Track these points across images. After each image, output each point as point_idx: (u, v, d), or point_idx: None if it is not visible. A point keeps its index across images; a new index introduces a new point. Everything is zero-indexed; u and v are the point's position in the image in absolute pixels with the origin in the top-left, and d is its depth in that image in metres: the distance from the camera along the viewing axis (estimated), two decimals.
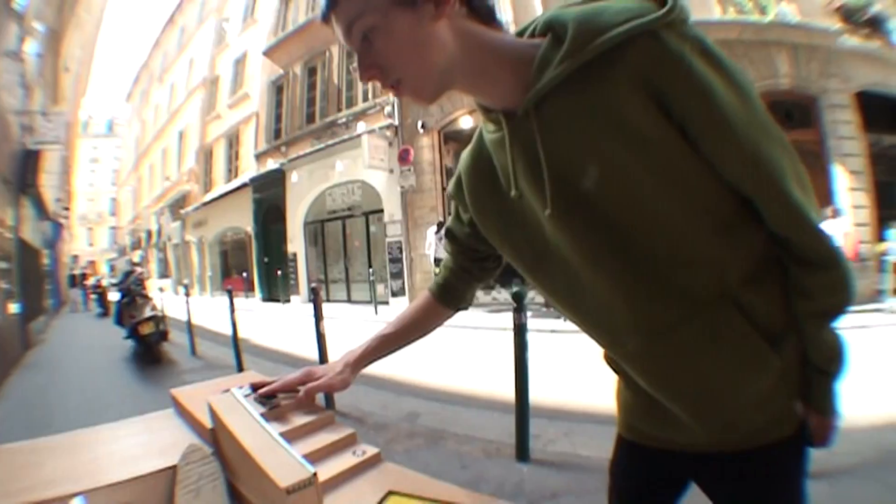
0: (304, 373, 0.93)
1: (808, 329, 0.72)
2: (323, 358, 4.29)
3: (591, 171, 0.67)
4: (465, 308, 1.07)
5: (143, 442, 0.81)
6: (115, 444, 0.80)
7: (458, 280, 1.03)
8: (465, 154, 0.90)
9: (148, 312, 6.77)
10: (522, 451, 2.98)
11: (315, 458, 0.72)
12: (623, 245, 0.69)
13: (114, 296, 8.63)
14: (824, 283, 0.69)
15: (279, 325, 10.41)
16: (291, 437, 0.75)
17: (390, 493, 0.69)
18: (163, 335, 6.82)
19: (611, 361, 0.93)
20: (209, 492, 0.66)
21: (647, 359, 0.76)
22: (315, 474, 0.55)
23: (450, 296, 1.04)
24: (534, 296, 10.31)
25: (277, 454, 0.59)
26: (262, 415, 0.75)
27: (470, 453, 3.11)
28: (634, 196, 0.66)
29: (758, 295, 0.70)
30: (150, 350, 6.75)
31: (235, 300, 6.19)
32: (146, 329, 6.60)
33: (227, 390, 0.82)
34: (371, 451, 0.78)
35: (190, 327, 7.38)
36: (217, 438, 0.74)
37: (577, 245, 0.73)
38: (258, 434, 0.64)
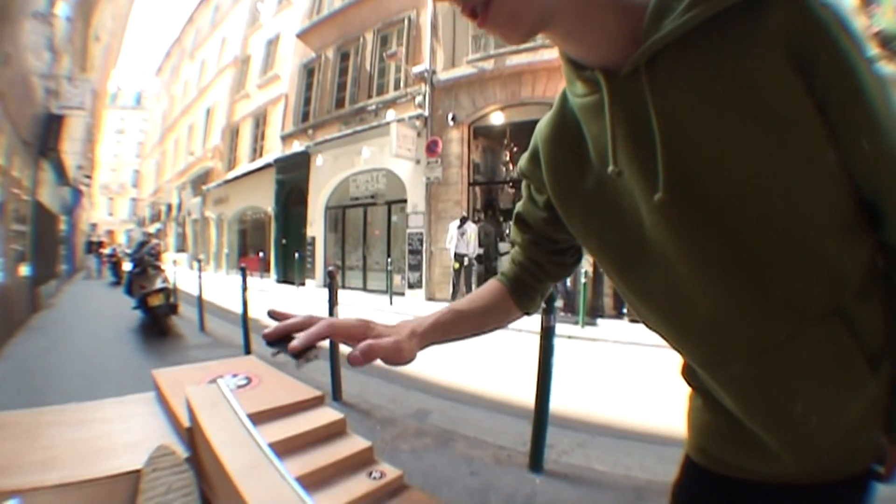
0: (360, 323, 0.67)
1: None
2: (334, 345, 3.89)
3: (714, 149, 0.55)
4: (533, 313, 0.91)
5: (111, 432, 0.65)
6: (81, 430, 0.65)
7: (529, 276, 0.88)
8: (544, 123, 0.76)
9: (159, 284, 6.67)
10: (536, 461, 2.83)
11: (318, 479, 0.58)
12: (741, 245, 0.58)
13: (128, 266, 8.65)
14: None
15: (292, 308, 10.23)
16: (291, 447, 0.60)
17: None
18: (172, 308, 6.73)
19: (691, 378, 0.83)
20: None
21: (748, 380, 0.66)
22: None
23: (522, 294, 0.88)
24: (556, 298, 10.17)
25: (264, 476, 0.45)
26: (295, 356, 0.55)
27: (480, 458, 2.98)
28: (762, 184, 0.54)
29: (866, 311, 0.62)
30: (157, 322, 6.67)
31: (250, 279, 6.08)
32: (155, 301, 6.50)
33: (214, 380, 0.66)
34: (391, 472, 0.64)
35: (200, 302, 7.31)
36: (194, 441, 0.58)
37: (686, 241, 0.60)
38: (243, 445, 0.49)
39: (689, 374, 0.84)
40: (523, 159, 0.82)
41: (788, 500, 0.74)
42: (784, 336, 0.61)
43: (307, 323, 0.60)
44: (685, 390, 0.92)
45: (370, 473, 0.62)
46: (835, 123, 0.53)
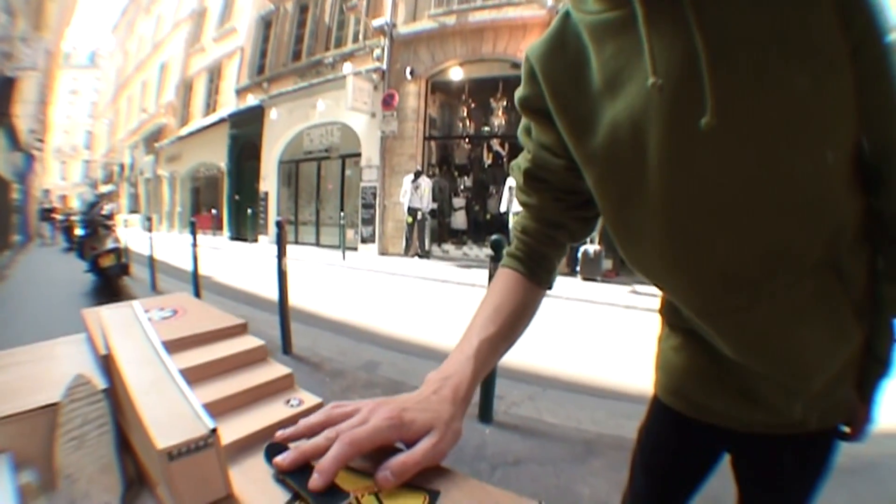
0: (389, 422, 0.49)
1: (887, 315, 0.68)
2: (283, 297, 3.89)
3: (757, 80, 0.51)
4: (552, 286, 0.79)
5: (36, 372, 0.59)
6: (5, 374, 0.59)
7: (548, 245, 0.77)
8: (538, 43, 0.69)
9: (110, 245, 6.50)
10: (485, 412, 2.86)
11: (234, 405, 0.56)
12: (763, 187, 0.56)
13: (80, 231, 8.42)
14: None
15: (244, 264, 10.17)
16: (207, 373, 0.59)
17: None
18: (124, 268, 6.56)
19: (675, 319, 0.81)
20: (94, 440, 0.48)
21: (747, 325, 0.65)
22: (215, 431, 0.39)
23: (541, 269, 0.76)
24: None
25: (169, 400, 0.42)
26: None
27: None
28: (794, 125, 0.53)
29: (855, 267, 0.64)
30: (109, 283, 6.47)
31: (203, 238, 6.11)
32: (106, 261, 6.32)
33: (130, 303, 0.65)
34: (311, 400, 0.60)
35: (152, 262, 7.13)
36: (110, 370, 0.54)
37: (721, 174, 0.56)
38: (151, 368, 0.47)
39: (671, 314, 0.81)
40: (519, 89, 0.73)
41: (758, 447, 0.78)
42: (783, 285, 0.61)
43: (324, 446, 0.45)
44: (653, 334, 0.90)
45: (288, 401, 0.60)
46: (863, 85, 0.52)
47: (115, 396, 0.53)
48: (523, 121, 0.76)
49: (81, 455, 0.47)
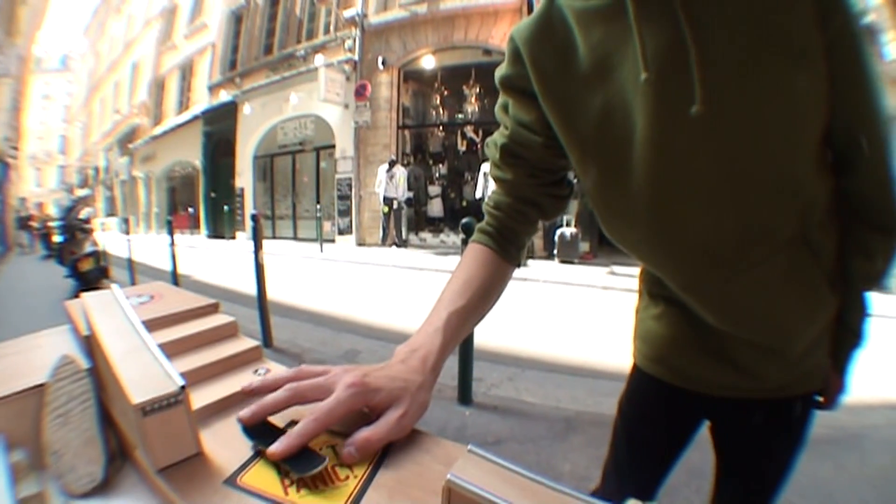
0: (347, 395, 0.48)
1: (856, 288, 0.73)
2: (261, 291, 3.89)
3: (741, 71, 0.57)
4: (521, 264, 0.82)
5: (22, 361, 0.63)
6: None
7: (519, 221, 0.79)
8: (523, 26, 0.72)
9: (88, 248, 6.44)
10: (465, 394, 2.92)
11: (205, 376, 0.60)
12: (744, 169, 0.61)
13: (59, 237, 8.43)
14: (888, 248, 0.69)
15: (222, 261, 10.04)
16: (181, 348, 0.63)
17: (293, 422, 0.50)
18: (103, 271, 6.47)
19: (656, 288, 0.84)
20: (78, 416, 0.52)
21: (728, 296, 0.69)
22: (184, 388, 0.43)
23: (511, 245, 0.78)
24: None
25: (144, 365, 0.46)
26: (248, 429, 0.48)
27: None
28: (774, 113, 0.57)
29: (826, 241, 0.69)
30: (90, 287, 6.37)
31: (181, 237, 6.29)
32: (86, 265, 6.26)
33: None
34: (279, 369, 0.64)
35: (131, 264, 7.19)
36: (93, 350, 0.60)
37: (707, 159, 0.61)
38: (131, 344, 0.50)
39: (652, 284, 0.85)
40: (501, 67, 0.75)
41: (737, 413, 0.81)
42: (759, 258, 0.65)
43: (282, 399, 0.48)
44: (630, 305, 0.95)
45: (256, 370, 0.65)
46: (835, 76, 0.57)
47: (98, 374, 0.57)
48: (501, 98, 0.77)
49: (67, 430, 0.50)
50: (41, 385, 0.55)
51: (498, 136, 0.78)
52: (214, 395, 0.56)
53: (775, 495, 0.83)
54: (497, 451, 0.35)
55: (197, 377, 0.59)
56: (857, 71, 0.59)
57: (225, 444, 0.47)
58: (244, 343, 0.68)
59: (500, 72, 0.75)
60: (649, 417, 0.92)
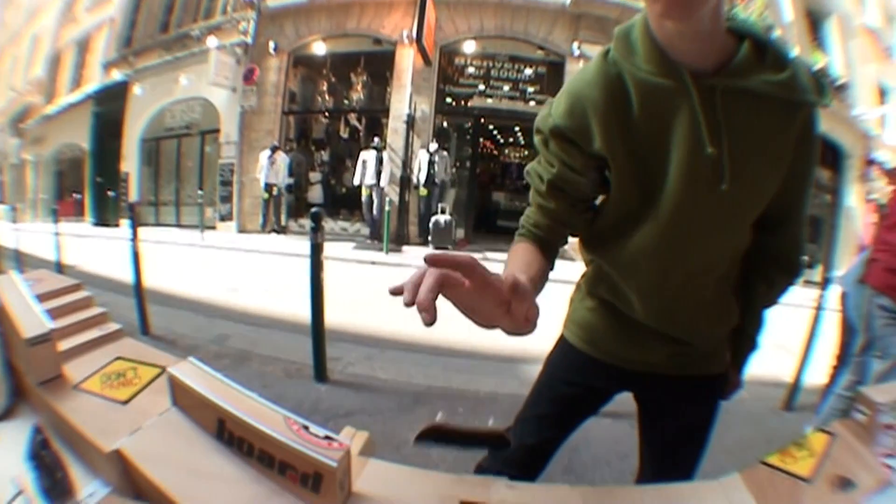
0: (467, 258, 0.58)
1: (760, 306, 1.04)
2: (138, 280, 3.98)
3: (751, 166, 0.81)
4: (553, 268, 0.99)
5: None
6: None
7: (558, 236, 0.96)
8: (583, 82, 0.85)
9: None
10: (320, 372, 3.15)
11: (64, 334, 0.92)
12: (735, 230, 0.90)
13: None
14: (786, 284, 1.02)
15: (107, 250, 9.55)
16: (56, 314, 0.92)
17: (118, 358, 0.89)
18: None
19: (599, 291, 1.04)
20: None
21: (667, 304, 0.95)
22: (52, 330, 0.77)
23: (551, 253, 0.96)
24: (359, 228, 10.15)
25: (33, 319, 0.78)
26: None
27: (272, 373, 3.32)
28: (763, 198, 0.86)
29: (734, 271, 0.98)
30: None
31: (67, 225, 6.20)
32: None
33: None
34: (114, 327, 0.99)
35: (18, 256, 7.02)
36: (1, 315, 0.84)
37: (720, 221, 0.87)
38: (25, 306, 0.83)
39: (594, 285, 1.05)
40: (554, 117, 0.87)
41: (654, 383, 1.05)
42: (703, 284, 0.94)
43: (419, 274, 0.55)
44: (566, 295, 1.17)
45: (101, 328, 0.99)
46: (791, 174, 0.85)
47: (5, 336, 0.83)
48: (542, 133, 0.91)
49: None
50: None
51: (542, 170, 0.92)
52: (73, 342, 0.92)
53: (694, 459, 1.08)
54: (346, 423, 0.41)
55: (62, 333, 0.90)
56: (805, 174, 0.88)
57: (84, 367, 0.85)
58: (109, 327, 1.00)
59: (552, 120, 0.87)
60: (574, 382, 1.12)
